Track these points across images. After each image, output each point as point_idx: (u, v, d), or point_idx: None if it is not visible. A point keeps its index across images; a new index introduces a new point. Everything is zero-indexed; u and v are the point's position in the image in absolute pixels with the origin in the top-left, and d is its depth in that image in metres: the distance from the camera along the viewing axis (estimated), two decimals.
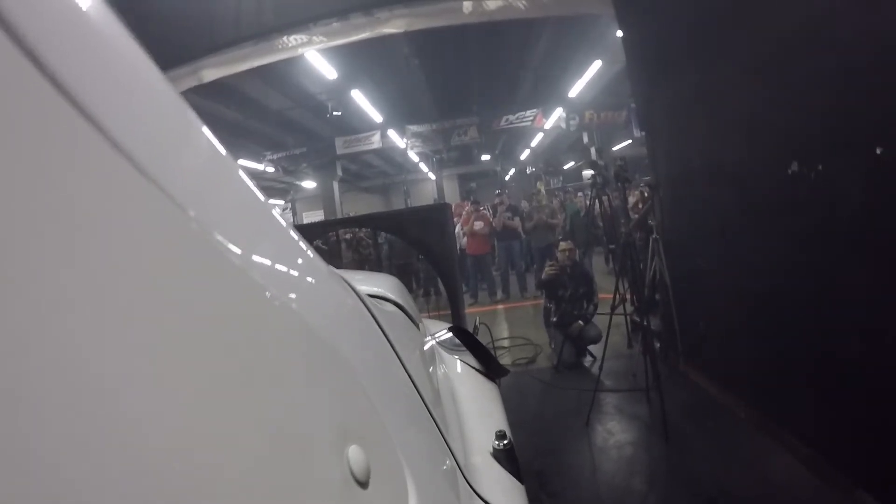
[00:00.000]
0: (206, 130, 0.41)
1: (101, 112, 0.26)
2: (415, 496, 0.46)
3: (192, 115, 0.39)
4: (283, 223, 0.53)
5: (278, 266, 0.45)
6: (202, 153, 0.41)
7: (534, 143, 16.22)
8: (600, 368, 3.25)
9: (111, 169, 0.27)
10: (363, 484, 0.37)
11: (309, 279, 0.54)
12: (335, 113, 9.40)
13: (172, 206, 0.30)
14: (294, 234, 0.55)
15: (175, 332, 0.27)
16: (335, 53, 6.47)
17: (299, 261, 0.53)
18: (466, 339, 1.41)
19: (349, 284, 0.69)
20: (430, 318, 1.95)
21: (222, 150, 0.43)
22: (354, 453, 0.38)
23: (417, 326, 1.19)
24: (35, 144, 0.23)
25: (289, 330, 0.42)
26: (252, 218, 0.46)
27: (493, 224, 7.55)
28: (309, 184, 15.48)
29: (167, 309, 0.27)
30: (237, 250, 0.36)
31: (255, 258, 0.40)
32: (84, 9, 0.30)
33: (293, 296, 0.47)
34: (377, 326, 0.68)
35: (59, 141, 0.24)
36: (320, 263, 0.60)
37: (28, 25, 0.23)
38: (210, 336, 0.30)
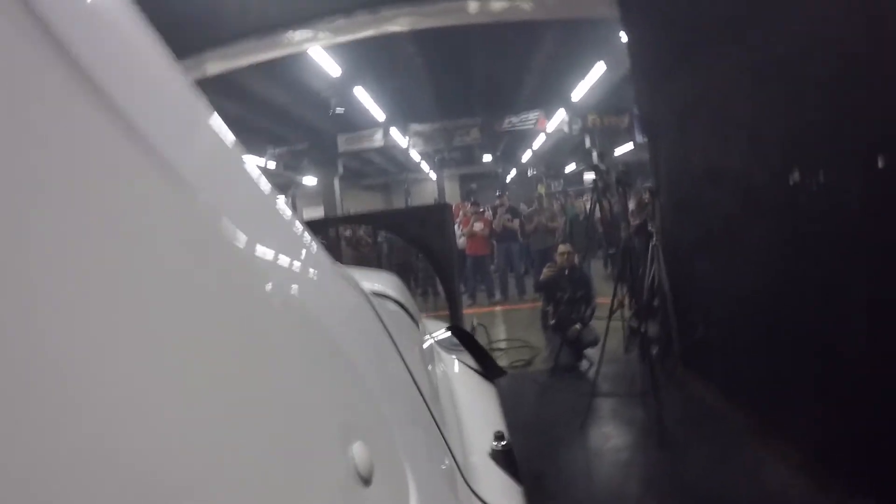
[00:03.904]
0: (216, 119, 0.41)
1: (118, 96, 0.27)
2: (415, 494, 0.45)
3: (203, 104, 0.39)
4: (289, 215, 0.53)
5: (283, 258, 0.45)
6: (212, 141, 0.41)
7: (535, 146, 16.22)
8: (597, 373, 3.24)
9: (123, 149, 0.27)
10: (366, 481, 0.37)
11: (313, 273, 0.54)
12: (338, 110, 9.37)
13: (183, 187, 0.30)
14: (299, 227, 0.54)
15: (178, 323, 0.26)
16: (339, 50, 6.46)
17: (304, 254, 0.52)
18: (465, 339, 1.41)
19: (353, 280, 0.68)
20: (428, 317, 1.94)
21: (231, 139, 0.43)
22: (359, 450, 0.37)
23: (417, 325, 1.19)
24: (54, 125, 0.24)
25: (293, 324, 0.42)
26: (259, 207, 0.46)
27: (493, 226, 7.55)
28: (310, 180, 15.45)
29: (170, 298, 0.26)
30: (243, 239, 0.36)
31: (261, 248, 0.40)
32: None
33: (297, 290, 0.46)
34: (380, 323, 0.68)
35: (76, 123, 0.25)
36: (325, 258, 0.60)
37: (54, 14, 0.25)
38: (214, 330, 0.30)
